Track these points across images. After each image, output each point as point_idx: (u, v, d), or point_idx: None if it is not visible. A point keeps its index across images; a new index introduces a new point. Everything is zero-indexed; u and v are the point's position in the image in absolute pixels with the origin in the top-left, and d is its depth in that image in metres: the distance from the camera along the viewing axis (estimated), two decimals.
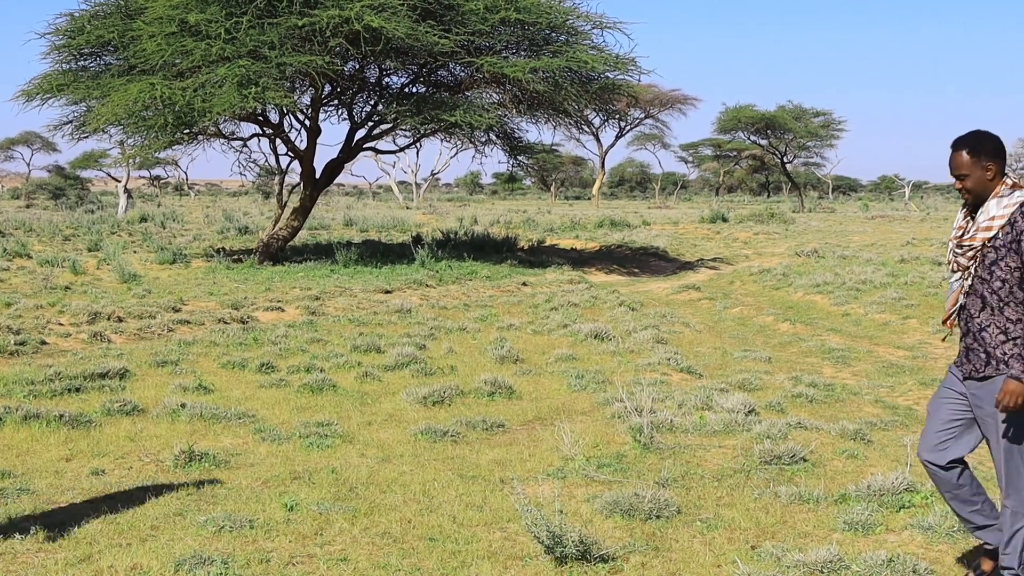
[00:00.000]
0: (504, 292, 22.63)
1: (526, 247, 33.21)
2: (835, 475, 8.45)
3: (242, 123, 30.18)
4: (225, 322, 17.03)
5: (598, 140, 71.55)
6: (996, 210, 5.70)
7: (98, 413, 10.28)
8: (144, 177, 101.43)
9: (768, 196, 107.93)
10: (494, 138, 31.48)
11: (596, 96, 29.41)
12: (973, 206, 5.86)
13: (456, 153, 67.39)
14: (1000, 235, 5.67)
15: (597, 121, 51.26)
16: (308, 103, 29.36)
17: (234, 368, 13.09)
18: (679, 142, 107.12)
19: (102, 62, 28.78)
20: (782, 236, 38.54)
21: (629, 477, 8.35)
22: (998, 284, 5.69)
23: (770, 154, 79.61)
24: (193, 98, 23.40)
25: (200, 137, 29.64)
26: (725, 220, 47.23)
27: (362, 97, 30.99)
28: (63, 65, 28.75)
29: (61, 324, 16.09)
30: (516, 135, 32.57)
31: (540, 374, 13.09)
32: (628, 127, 75.09)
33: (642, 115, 74.81)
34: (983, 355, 5.79)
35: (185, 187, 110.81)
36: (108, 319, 16.55)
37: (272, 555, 6.59)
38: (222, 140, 30.96)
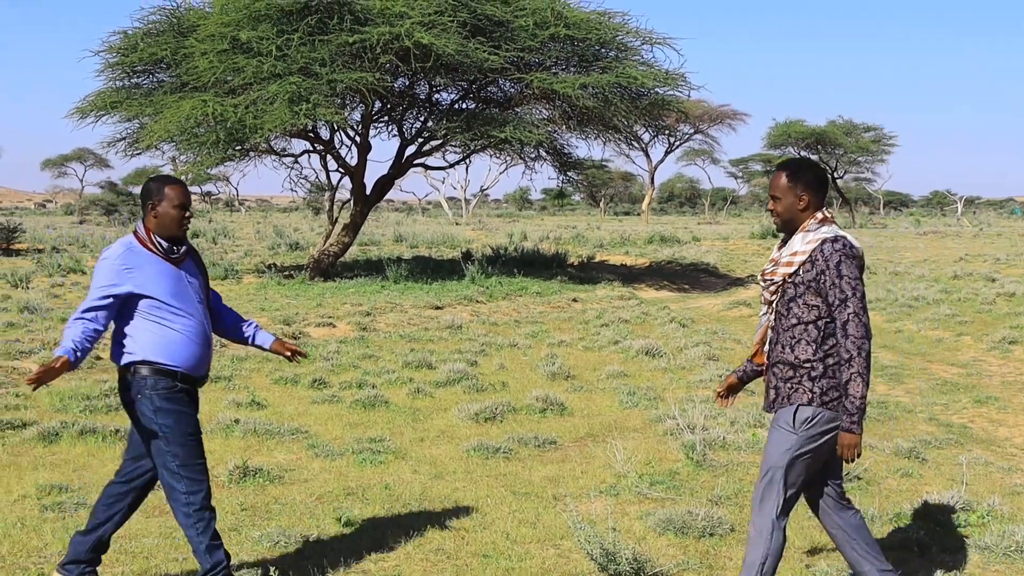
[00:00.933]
0: (554, 308, 22.62)
1: (576, 263, 33.22)
2: (890, 493, 8.40)
3: (293, 139, 30.36)
4: None
5: (647, 156, 71.43)
6: (800, 245, 5.58)
7: None
8: (195, 193, 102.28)
9: None
10: (544, 154, 31.47)
11: (646, 112, 29.39)
12: (785, 238, 5.76)
13: (505, 169, 67.63)
14: (800, 272, 5.56)
15: (647, 137, 51.26)
16: (358, 119, 29.47)
17: (287, 384, 13.16)
18: (729, 157, 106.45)
19: (155, 79, 29.04)
20: None
21: (682, 494, 8.33)
22: (793, 320, 5.59)
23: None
24: (245, 115, 23.56)
25: (251, 153, 29.83)
26: (775, 236, 47.00)
27: (412, 113, 31.10)
28: (117, 82, 29.02)
29: None
30: (565, 151, 32.55)
31: (592, 391, 13.07)
32: (678, 142, 74.88)
33: (692, 130, 74.58)
34: (772, 390, 5.74)
35: (236, 203, 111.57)
36: None
37: (327, 571, 6.62)
38: (273, 156, 31.14)
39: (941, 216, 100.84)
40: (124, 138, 30.32)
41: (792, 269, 5.55)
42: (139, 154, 30.47)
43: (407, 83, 28.73)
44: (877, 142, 75.05)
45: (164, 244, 5.99)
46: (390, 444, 9.93)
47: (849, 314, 5.45)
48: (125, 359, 5.97)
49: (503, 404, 11.61)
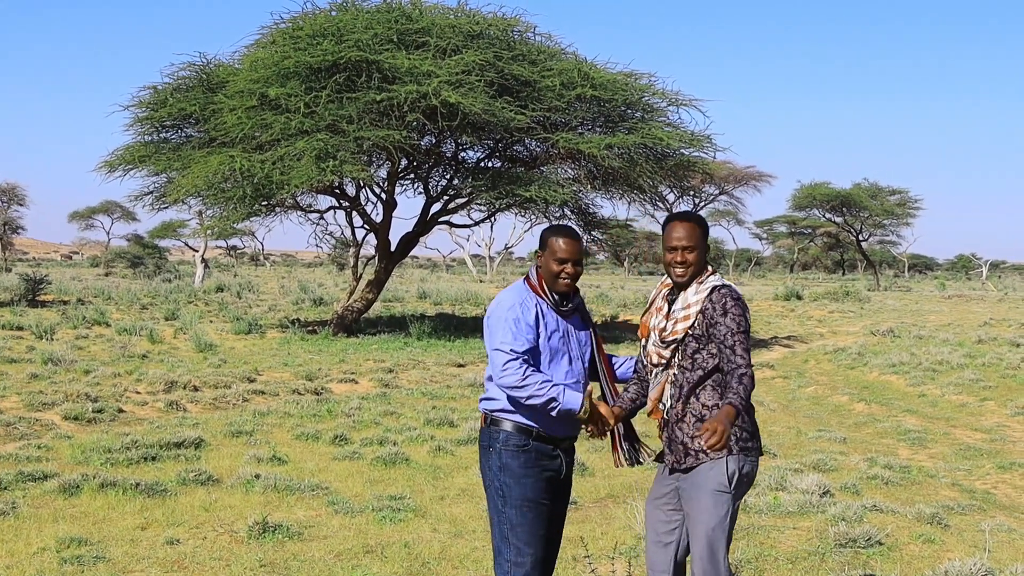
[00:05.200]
0: None
1: (599, 323, 33.17)
2: (911, 560, 8.33)
3: (319, 195, 30.53)
4: (299, 393, 17.15)
5: None
6: (692, 296, 5.61)
7: (173, 482, 10.36)
8: (221, 247, 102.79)
9: (843, 274, 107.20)
10: (568, 213, 31.51)
11: (671, 172, 29.46)
12: (678, 287, 5.74)
13: (530, 227, 67.34)
14: (696, 323, 5.55)
15: (671, 197, 51.22)
16: (384, 176, 29.63)
17: (308, 439, 13.15)
18: (753, 219, 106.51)
19: (183, 134, 29.32)
20: (857, 314, 38.26)
21: None
22: (699, 372, 5.55)
23: (845, 232, 79.17)
24: (272, 171, 23.71)
25: (277, 209, 30.06)
26: (799, 298, 47.01)
27: (438, 171, 31.24)
28: (145, 137, 29.33)
29: (138, 392, 16.28)
30: (590, 210, 32.64)
31: None
32: (702, 203, 74.94)
33: (716, 191, 74.69)
34: (681, 446, 5.61)
35: (261, 257, 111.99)
36: (184, 388, 16.73)
37: None
38: (299, 212, 31.37)
39: (966, 280, 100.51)
40: (152, 192, 30.64)
41: (690, 322, 5.56)
42: (166, 208, 30.86)
43: (433, 141, 28.89)
44: (902, 205, 75.01)
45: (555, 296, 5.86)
46: (410, 502, 9.91)
47: (739, 349, 5.47)
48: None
49: None
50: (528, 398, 5.53)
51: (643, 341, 5.89)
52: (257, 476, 10.55)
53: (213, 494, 10.08)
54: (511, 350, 5.57)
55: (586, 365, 5.94)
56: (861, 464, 12.33)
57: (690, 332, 5.56)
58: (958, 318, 35.79)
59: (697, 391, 5.56)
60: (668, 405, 5.69)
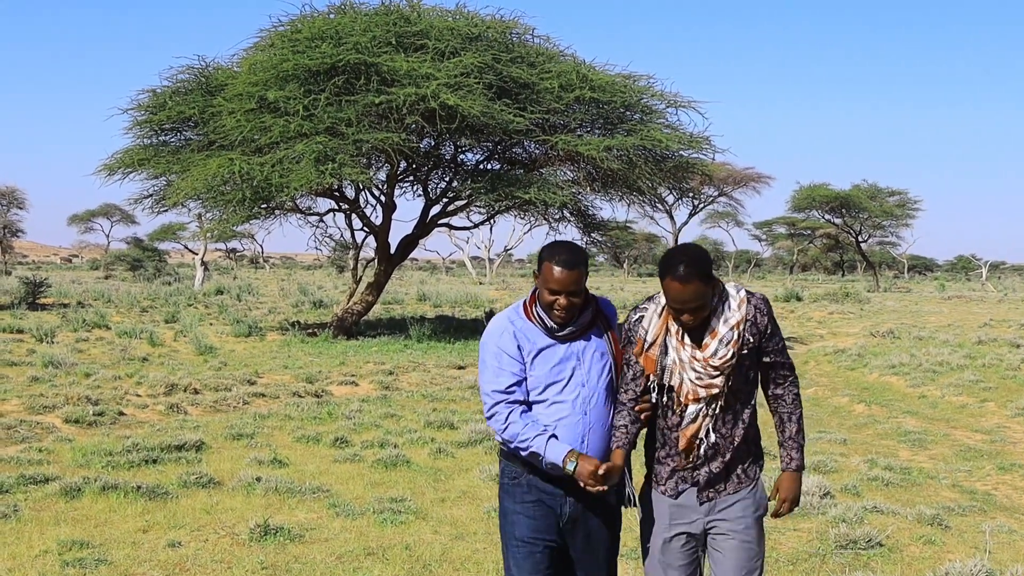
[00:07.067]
0: None
1: None
2: (912, 561, 8.34)
3: (318, 198, 30.54)
4: (300, 396, 17.15)
5: (671, 217, 71.30)
6: (734, 315, 4.92)
7: (174, 485, 10.36)
8: (220, 250, 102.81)
9: (843, 275, 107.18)
10: (568, 215, 31.53)
11: (670, 174, 29.44)
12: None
13: (530, 229, 67.62)
14: (751, 337, 4.95)
15: (671, 199, 51.40)
16: (384, 179, 29.62)
17: (308, 442, 13.15)
18: (753, 220, 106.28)
19: (182, 137, 29.30)
20: (857, 316, 38.21)
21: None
22: (748, 390, 5.04)
23: (845, 233, 79.12)
24: (271, 173, 23.70)
25: (277, 212, 30.03)
26: (799, 299, 46.97)
27: (437, 173, 31.24)
28: (144, 140, 29.31)
29: (139, 395, 16.28)
30: (590, 212, 32.63)
31: None
32: (702, 205, 74.75)
33: (716, 193, 74.44)
34: (726, 472, 5.13)
35: (260, 260, 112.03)
36: (185, 391, 16.74)
37: None
38: (298, 215, 31.35)
39: (966, 281, 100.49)
40: (151, 195, 30.60)
41: (740, 340, 4.92)
42: (166, 211, 30.79)
43: (432, 143, 28.90)
44: (902, 206, 74.97)
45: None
46: (411, 504, 9.90)
47: (789, 356, 5.14)
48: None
49: None
50: (514, 448, 5.05)
51: (647, 378, 5.12)
52: (258, 479, 10.55)
53: (214, 497, 10.08)
54: (493, 391, 5.05)
55: (603, 391, 5.18)
56: (861, 465, 12.32)
57: (743, 352, 4.98)
58: (958, 319, 35.74)
59: (749, 414, 5.12)
60: (712, 438, 5.07)
